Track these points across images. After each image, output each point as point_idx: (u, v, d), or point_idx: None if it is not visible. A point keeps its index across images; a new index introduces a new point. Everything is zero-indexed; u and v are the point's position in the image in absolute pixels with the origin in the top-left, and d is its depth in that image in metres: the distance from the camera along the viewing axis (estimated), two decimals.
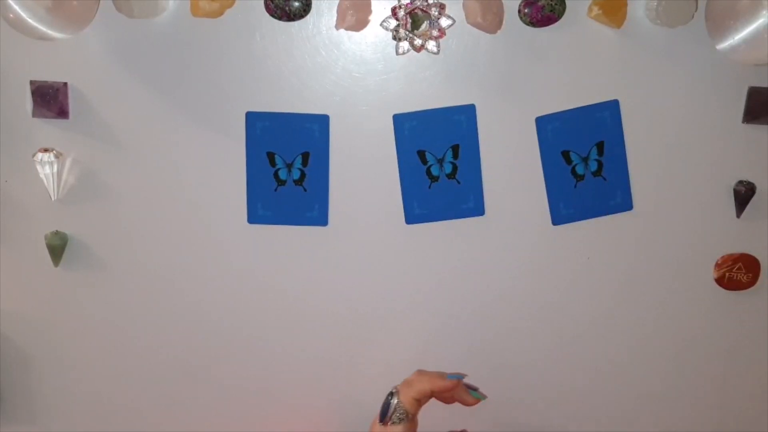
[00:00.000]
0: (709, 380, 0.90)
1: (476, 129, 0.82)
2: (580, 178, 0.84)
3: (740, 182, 0.84)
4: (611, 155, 0.83)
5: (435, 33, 0.79)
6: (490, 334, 0.88)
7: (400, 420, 0.72)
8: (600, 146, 0.83)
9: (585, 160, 0.83)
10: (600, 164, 0.84)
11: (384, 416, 0.73)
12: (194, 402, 0.90)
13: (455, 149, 0.83)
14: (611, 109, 0.82)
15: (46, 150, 0.82)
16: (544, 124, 0.82)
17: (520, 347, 0.89)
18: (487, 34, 0.80)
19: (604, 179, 0.84)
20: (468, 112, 0.82)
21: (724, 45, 0.78)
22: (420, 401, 0.73)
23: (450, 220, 0.84)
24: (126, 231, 0.85)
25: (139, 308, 0.87)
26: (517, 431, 0.90)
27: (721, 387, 0.90)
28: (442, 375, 0.75)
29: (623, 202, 0.85)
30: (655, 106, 0.83)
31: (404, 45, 0.80)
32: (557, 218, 0.85)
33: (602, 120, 0.82)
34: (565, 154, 0.83)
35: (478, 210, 0.84)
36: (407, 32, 0.79)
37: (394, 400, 0.73)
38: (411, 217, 0.85)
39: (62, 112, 0.81)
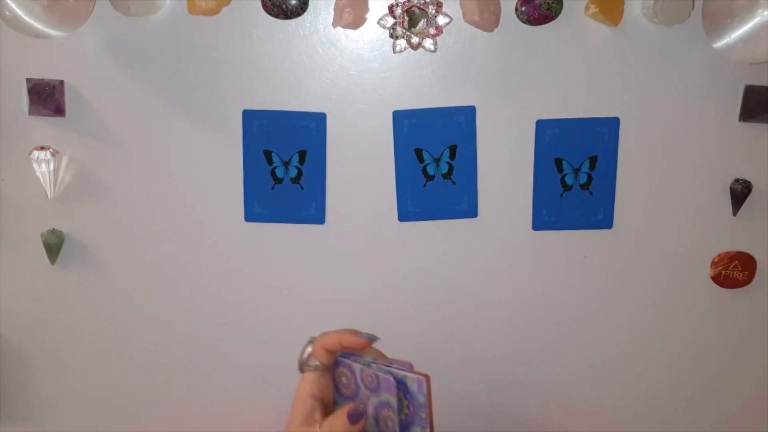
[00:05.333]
0: (706, 378, 0.90)
1: (475, 131, 0.82)
2: (567, 188, 0.84)
3: (736, 180, 0.85)
4: (602, 172, 0.83)
5: (432, 31, 0.79)
6: (481, 331, 0.88)
7: (315, 368, 0.73)
8: (593, 161, 0.83)
9: (576, 171, 0.83)
10: (590, 178, 0.84)
11: (300, 363, 0.75)
12: (191, 400, 0.90)
13: (453, 149, 0.83)
14: (611, 126, 0.82)
15: (42, 148, 0.81)
16: (543, 128, 0.82)
17: (515, 344, 0.89)
18: (484, 33, 0.80)
19: (591, 194, 0.84)
20: (468, 114, 0.82)
21: (720, 43, 0.78)
22: (332, 352, 0.74)
23: (443, 220, 0.85)
24: (123, 229, 0.85)
25: (135, 306, 0.87)
26: (507, 430, 0.90)
27: (718, 385, 0.91)
28: (356, 332, 0.75)
29: (605, 220, 0.85)
30: (651, 104, 0.83)
31: (401, 43, 0.79)
32: (538, 224, 0.85)
33: (600, 135, 0.82)
34: (558, 162, 0.83)
35: (471, 212, 0.84)
36: (404, 30, 0.79)
37: (309, 348, 0.74)
38: (404, 215, 0.84)
39: (59, 110, 0.81)
